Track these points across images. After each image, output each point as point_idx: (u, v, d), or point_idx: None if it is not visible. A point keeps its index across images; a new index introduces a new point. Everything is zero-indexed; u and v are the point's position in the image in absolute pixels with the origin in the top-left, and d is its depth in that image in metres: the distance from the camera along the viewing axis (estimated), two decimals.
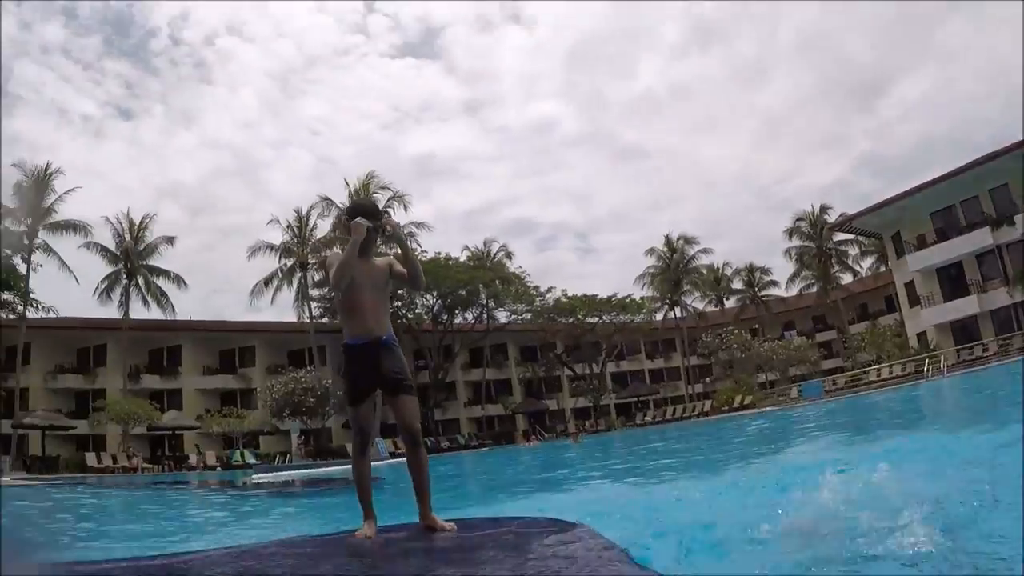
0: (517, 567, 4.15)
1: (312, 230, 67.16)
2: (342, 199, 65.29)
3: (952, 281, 55.45)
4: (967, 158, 52.72)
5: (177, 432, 58.88)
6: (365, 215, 6.09)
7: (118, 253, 62.63)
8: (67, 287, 58.99)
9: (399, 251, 6.37)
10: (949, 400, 25.34)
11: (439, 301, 70.95)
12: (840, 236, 76.06)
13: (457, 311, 72.92)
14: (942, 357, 48.01)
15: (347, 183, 67.18)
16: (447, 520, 6.02)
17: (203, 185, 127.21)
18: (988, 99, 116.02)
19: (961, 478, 5.93)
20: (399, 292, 67.05)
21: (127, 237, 63.27)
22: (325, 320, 69.50)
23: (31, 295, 55.71)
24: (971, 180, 52.41)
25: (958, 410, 20.03)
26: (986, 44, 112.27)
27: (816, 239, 77.56)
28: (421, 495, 6.03)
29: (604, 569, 3.73)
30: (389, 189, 66.10)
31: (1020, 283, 50.60)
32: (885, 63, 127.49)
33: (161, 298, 63.06)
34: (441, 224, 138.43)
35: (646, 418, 69.09)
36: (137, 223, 64.02)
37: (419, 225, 67.76)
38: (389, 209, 64.42)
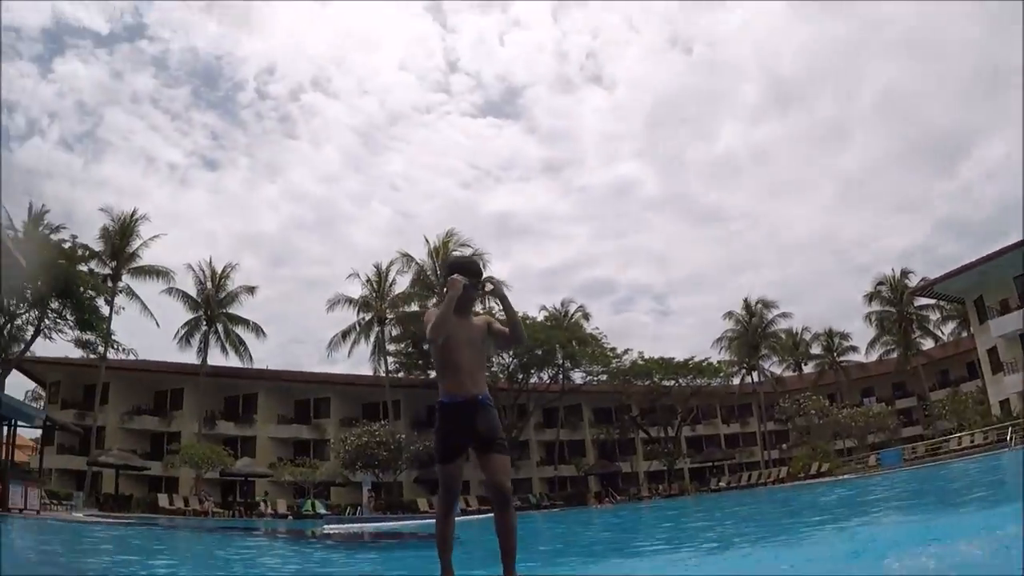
0: None
1: (391, 285, 67.80)
2: (421, 255, 65.98)
3: None
4: None
5: (249, 479, 59.18)
6: (465, 272, 6.06)
7: (199, 300, 63.91)
8: (148, 330, 59.88)
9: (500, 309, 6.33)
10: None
11: (515, 360, 70.78)
12: (921, 301, 75.00)
13: (533, 371, 72.70)
14: None
15: (427, 240, 67.85)
16: None
17: (284, 236, 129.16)
18: None
19: None
20: None
21: (208, 285, 64.51)
22: (401, 375, 69.98)
23: (112, 336, 56.68)
24: None
25: None
26: None
27: (897, 304, 76.53)
28: (507, 554, 5.93)
29: None
30: (469, 246, 66.36)
31: None
32: (965, 124, 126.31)
33: (239, 346, 64.08)
34: (519, 283, 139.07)
35: (720, 483, 68.12)
36: (219, 272, 65.31)
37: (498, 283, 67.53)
38: None
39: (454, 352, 5.93)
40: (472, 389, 5.92)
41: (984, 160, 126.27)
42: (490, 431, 5.91)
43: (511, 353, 68.37)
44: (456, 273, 5.98)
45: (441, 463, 5.98)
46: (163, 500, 51.65)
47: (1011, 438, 44.84)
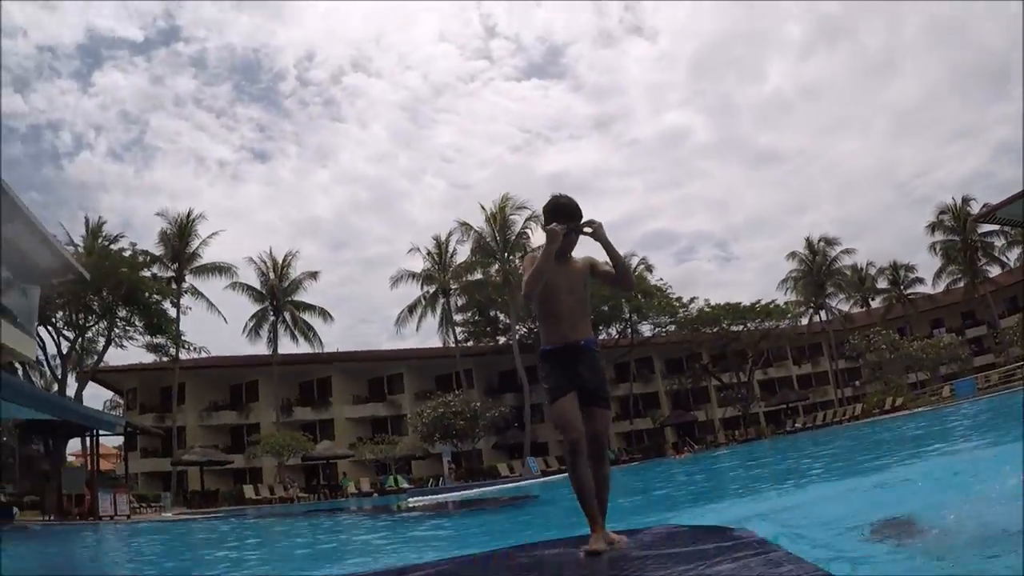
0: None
1: (452, 256, 68.01)
2: (479, 223, 65.90)
3: None
4: None
5: (331, 461, 60.12)
6: (563, 215, 5.73)
7: (263, 291, 64.71)
8: (217, 327, 60.93)
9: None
10: None
11: None
12: (985, 228, 73.88)
13: (601, 327, 72.84)
14: None
15: (483, 207, 67.71)
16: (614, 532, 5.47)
17: (342, 219, 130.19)
18: None
19: None
20: None
21: (271, 275, 65.23)
22: (470, 344, 70.33)
23: (182, 337, 57.81)
24: None
25: None
26: None
27: (960, 232, 75.61)
28: (600, 507, 5.41)
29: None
30: (527, 208, 66.05)
31: None
32: (1015, 43, 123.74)
33: (308, 332, 64.77)
34: (581, 241, 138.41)
35: (796, 424, 68.09)
36: (280, 261, 65.94)
37: None
38: (527, 230, 64.86)
39: (553, 300, 5.70)
40: (572, 335, 5.64)
41: None
42: (593, 379, 5.61)
43: None
44: (554, 219, 5.69)
45: (552, 402, 5.54)
46: (249, 491, 52.48)
47: None
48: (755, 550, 4.43)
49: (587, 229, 5.70)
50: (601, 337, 72.98)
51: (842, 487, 9.27)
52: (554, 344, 5.66)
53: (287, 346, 65.14)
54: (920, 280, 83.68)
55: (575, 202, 5.83)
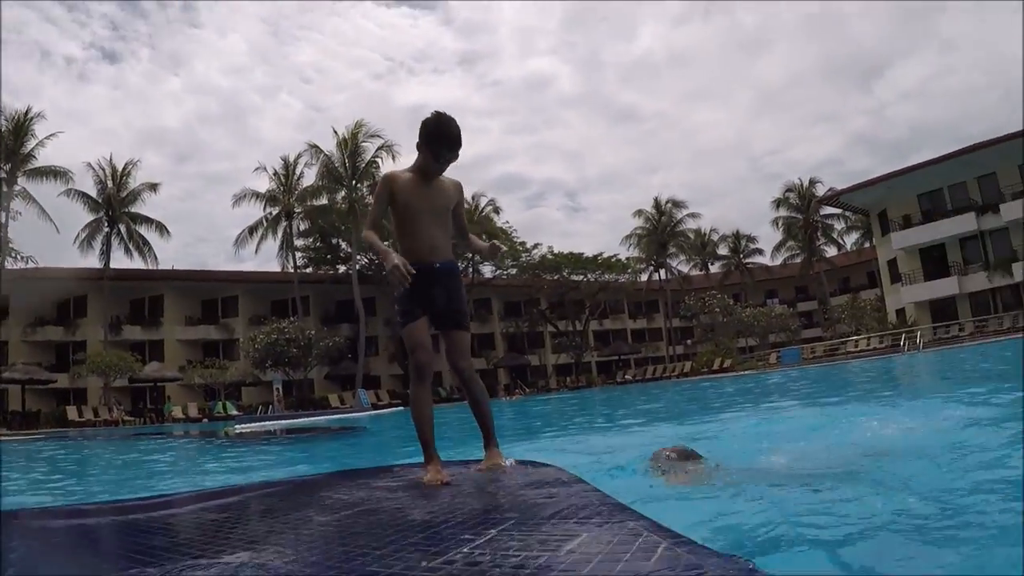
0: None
1: (299, 179, 66.72)
2: (330, 147, 64.87)
3: (934, 261, 56.61)
4: (958, 146, 53.60)
5: (159, 384, 58.87)
6: (445, 144, 5.38)
7: (100, 200, 61.67)
8: (47, 236, 58.02)
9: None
10: (924, 373, 25.58)
11: None
12: (827, 210, 76.72)
13: None
14: (919, 333, 48.69)
15: (335, 131, 66.41)
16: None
17: (189, 131, 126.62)
18: (985, 91, 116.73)
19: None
20: (385, 244, 66.96)
21: (109, 183, 62.21)
22: (309, 270, 69.57)
23: (10, 244, 54.95)
24: (961, 166, 53.80)
25: (931, 382, 20.22)
26: (987, 37, 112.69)
27: (803, 211, 78.01)
28: (482, 429, 5.77)
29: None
30: (380, 137, 65.19)
31: (1000, 269, 51.63)
32: (887, 45, 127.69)
33: (143, 247, 62.32)
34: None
35: (627, 376, 69.44)
36: (120, 169, 63.00)
37: None
38: (378, 159, 64.22)
39: (411, 221, 5.52)
40: (429, 257, 5.44)
41: (901, 81, 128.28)
42: (448, 302, 5.53)
43: None
44: (436, 145, 5.36)
45: (403, 325, 5.44)
46: (72, 413, 51.09)
47: (904, 343, 46.54)
48: (553, 477, 4.77)
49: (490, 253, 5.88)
50: None
51: (652, 434, 9.47)
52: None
53: (120, 260, 62.76)
54: (760, 251, 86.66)
55: (459, 130, 5.44)
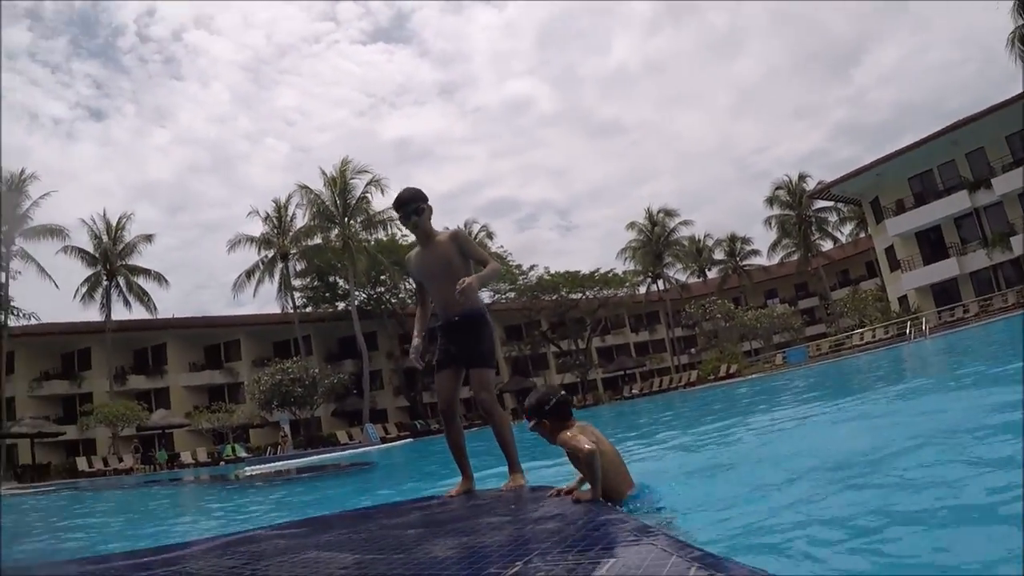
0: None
1: (291, 220, 66.51)
2: (319, 186, 64.87)
3: (931, 245, 56.21)
4: (942, 124, 53.41)
5: (167, 431, 58.75)
6: (399, 206, 6.50)
7: (96, 255, 61.92)
8: (48, 293, 58.30)
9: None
10: (932, 360, 25.48)
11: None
12: (820, 204, 76.45)
13: None
14: (924, 319, 48.50)
15: (323, 171, 66.33)
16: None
17: (180, 182, 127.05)
18: (961, 65, 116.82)
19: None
20: (382, 278, 66.99)
21: (105, 238, 62.52)
22: (309, 309, 69.53)
23: (11, 303, 55.26)
24: (947, 144, 53.26)
25: (939, 369, 20.14)
26: (958, 10, 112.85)
27: (796, 207, 77.86)
28: (506, 456, 6.53)
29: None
30: (368, 172, 65.28)
31: (998, 245, 51.28)
32: (859, 31, 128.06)
33: (143, 297, 62.57)
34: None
35: (633, 391, 69.26)
36: (114, 223, 63.30)
37: None
38: (367, 194, 64.32)
39: (426, 286, 6.65)
40: (446, 313, 6.46)
41: (878, 65, 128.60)
42: (466, 347, 6.44)
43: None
44: (397, 212, 6.54)
45: (436, 373, 6.55)
46: (82, 463, 51.00)
47: (911, 331, 46.40)
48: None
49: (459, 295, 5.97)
50: None
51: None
52: (435, 324, 6.64)
53: (121, 312, 62.82)
54: (756, 252, 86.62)
55: (407, 193, 6.56)
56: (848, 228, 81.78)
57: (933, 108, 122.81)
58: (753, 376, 49.62)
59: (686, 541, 2.91)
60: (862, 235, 77.34)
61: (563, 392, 5.63)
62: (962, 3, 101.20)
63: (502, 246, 78.02)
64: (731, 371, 57.66)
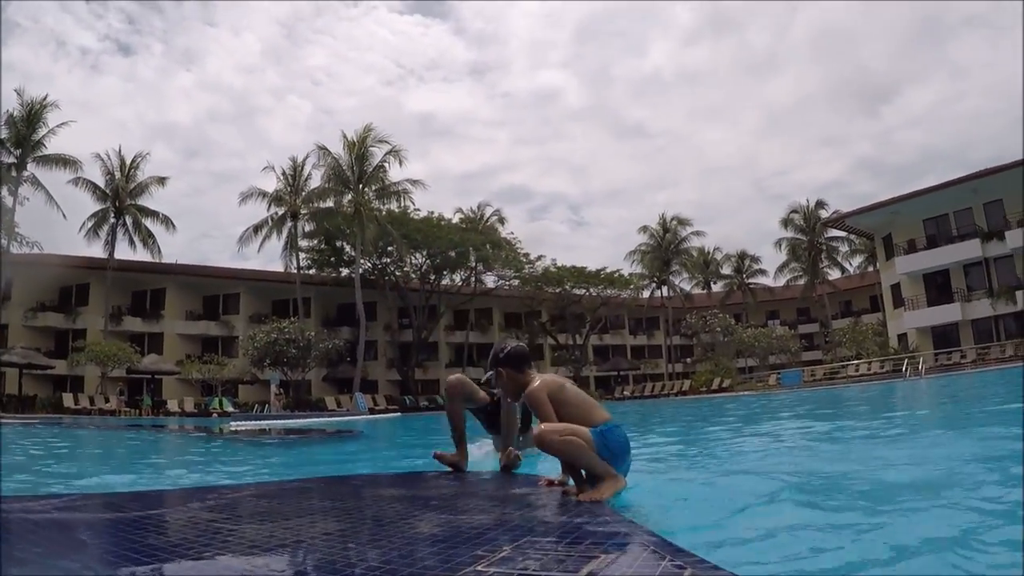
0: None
1: (306, 180, 66.60)
2: (338, 150, 64.70)
3: (938, 287, 56.47)
4: (963, 172, 53.54)
5: (156, 376, 58.66)
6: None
7: (107, 191, 61.81)
8: (54, 223, 57.88)
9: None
10: (923, 399, 25.44)
11: (428, 260, 70.89)
12: (832, 232, 76.56)
13: (445, 272, 72.95)
14: (921, 359, 48.52)
15: (344, 135, 66.33)
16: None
17: (199, 128, 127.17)
18: (993, 118, 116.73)
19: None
20: (389, 249, 67.02)
21: (117, 175, 62.40)
22: (312, 272, 69.41)
23: (16, 229, 55.15)
24: (967, 192, 53.55)
25: (928, 408, 20.08)
26: (998, 64, 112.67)
27: (808, 232, 78.04)
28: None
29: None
30: (387, 143, 65.37)
31: (1004, 296, 51.36)
32: (896, 70, 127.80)
33: (148, 239, 62.41)
34: (436, 184, 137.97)
35: (625, 392, 69.40)
36: (128, 161, 63.19)
37: (414, 182, 67.05)
38: (385, 163, 64.20)
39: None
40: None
41: (910, 106, 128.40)
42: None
43: (423, 253, 68.66)
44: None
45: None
46: (68, 400, 50.81)
47: (906, 369, 46.42)
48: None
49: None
50: (444, 282, 73.26)
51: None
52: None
53: (125, 252, 62.90)
54: (763, 272, 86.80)
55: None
56: (857, 260, 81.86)
57: (957, 156, 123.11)
58: (745, 393, 49.54)
59: (671, 541, 2.88)
60: (870, 269, 77.50)
61: (521, 343, 5.65)
62: (998, 57, 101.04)
63: (512, 232, 78.11)
64: (724, 385, 57.80)
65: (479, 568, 2.56)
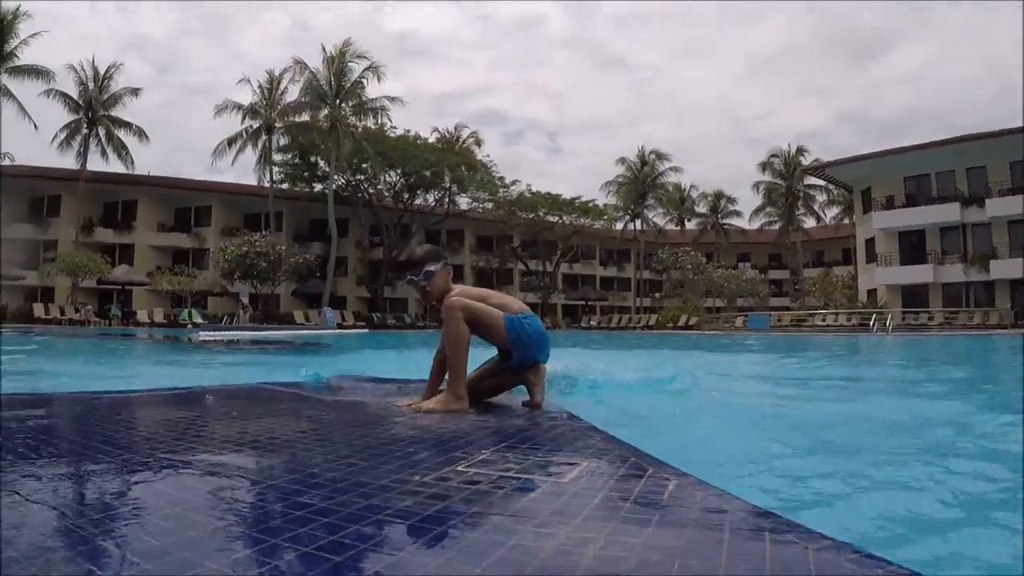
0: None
1: (282, 94, 65.52)
2: (316, 64, 64.00)
3: (912, 247, 56.56)
4: (946, 135, 53.44)
5: (127, 287, 58.38)
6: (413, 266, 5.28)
7: (80, 102, 60.90)
8: (26, 134, 57.03)
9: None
10: (891, 355, 25.65)
11: (402, 179, 70.60)
12: (811, 181, 76.54)
13: (419, 191, 72.71)
14: (890, 316, 48.81)
15: (323, 48, 65.67)
16: None
17: (172, 41, 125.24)
18: (979, 85, 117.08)
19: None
20: (364, 166, 66.77)
21: (91, 85, 61.41)
22: (285, 186, 68.96)
23: None
24: (951, 154, 53.28)
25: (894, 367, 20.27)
26: (988, 33, 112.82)
27: (787, 178, 78.15)
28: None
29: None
30: (366, 58, 64.08)
31: (978, 264, 51.65)
32: (887, 28, 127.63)
33: (121, 151, 61.75)
34: (413, 103, 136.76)
35: (591, 322, 69.91)
36: (102, 72, 62.15)
37: (392, 99, 65.78)
38: (363, 79, 63.61)
39: None
40: None
41: (898, 65, 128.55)
42: None
43: (398, 172, 68.39)
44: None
45: None
46: (39, 310, 51.09)
47: (874, 324, 46.73)
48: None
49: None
50: (417, 202, 73.08)
51: None
52: None
53: (97, 163, 62.05)
54: (738, 213, 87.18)
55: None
56: (834, 211, 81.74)
57: (941, 118, 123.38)
58: (712, 332, 49.82)
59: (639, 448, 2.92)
60: (846, 221, 77.33)
61: (442, 254, 5.40)
62: (993, 26, 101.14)
63: (488, 155, 77.80)
64: (690, 323, 58.04)
65: (459, 468, 2.56)
